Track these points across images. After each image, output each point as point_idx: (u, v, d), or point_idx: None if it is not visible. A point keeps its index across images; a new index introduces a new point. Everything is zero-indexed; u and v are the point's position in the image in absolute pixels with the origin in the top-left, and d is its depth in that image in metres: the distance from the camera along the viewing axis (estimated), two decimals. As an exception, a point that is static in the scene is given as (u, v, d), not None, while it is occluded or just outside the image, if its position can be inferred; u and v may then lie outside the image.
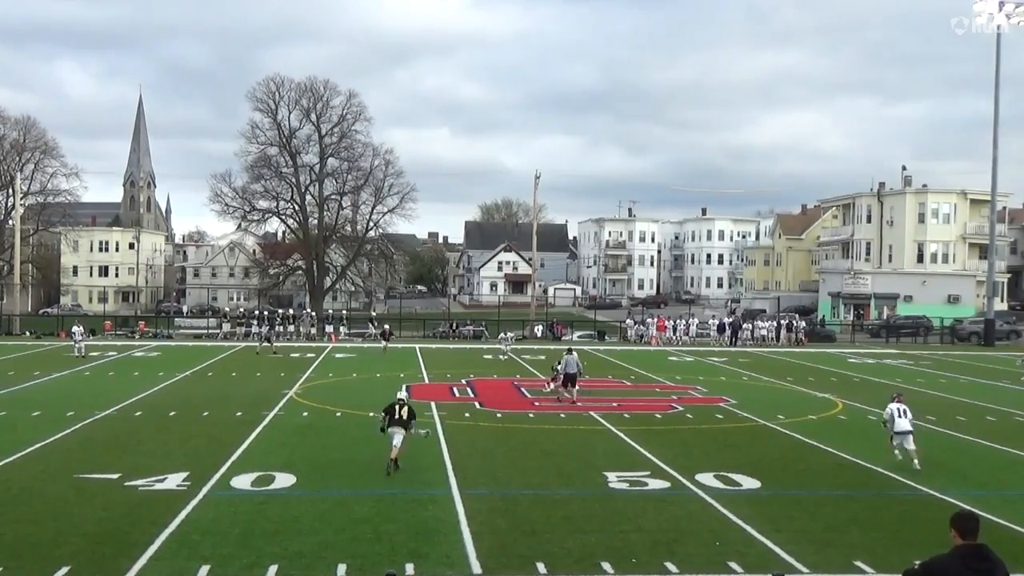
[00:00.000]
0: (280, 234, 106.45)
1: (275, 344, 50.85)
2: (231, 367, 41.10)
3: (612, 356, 46.34)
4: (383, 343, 51.20)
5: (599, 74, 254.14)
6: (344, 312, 74.83)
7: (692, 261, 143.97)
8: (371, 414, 26.30)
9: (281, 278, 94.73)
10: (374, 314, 66.53)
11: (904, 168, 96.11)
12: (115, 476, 17.72)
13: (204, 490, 16.67)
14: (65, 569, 12.11)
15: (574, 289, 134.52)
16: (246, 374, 37.95)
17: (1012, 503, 16.70)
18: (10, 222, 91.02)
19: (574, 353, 30.53)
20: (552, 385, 31.83)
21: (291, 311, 71.03)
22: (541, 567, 12.42)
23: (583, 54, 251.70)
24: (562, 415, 26.88)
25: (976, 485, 18.54)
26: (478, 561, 12.70)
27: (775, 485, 17.91)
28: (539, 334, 65.43)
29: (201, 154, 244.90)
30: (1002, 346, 62.13)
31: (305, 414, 26.61)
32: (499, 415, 26.74)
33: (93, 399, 28.92)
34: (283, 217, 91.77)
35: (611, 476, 18.27)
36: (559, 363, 30.70)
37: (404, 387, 23.05)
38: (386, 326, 55.22)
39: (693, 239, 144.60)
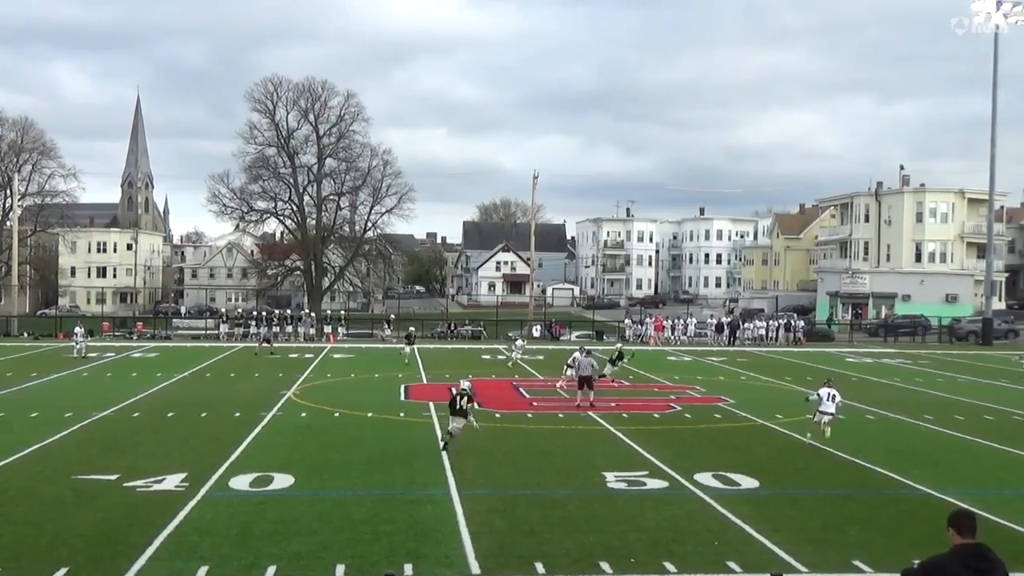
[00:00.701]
0: (278, 235, 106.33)
1: (273, 344, 50.84)
2: (229, 368, 41.10)
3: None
4: (405, 346, 45.81)
5: (596, 74, 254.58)
6: (343, 312, 74.72)
7: (690, 261, 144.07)
8: (369, 415, 26.41)
9: (279, 279, 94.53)
10: (392, 316, 65.63)
11: (902, 167, 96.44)
12: (113, 477, 17.71)
13: (202, 491, 16.67)
14: (64, 570, 12.10)
15: (572, 289, 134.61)
16: (244, 375, 37.94)
17: (1010, 502, 16.71)
18: (8, 223, 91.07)
19: (589, 354, 29.73)
20: (563, 385, 31.84)
21: (289, 312, 70.97)
22: (540, 567, 12.42)
23: (580, 54, 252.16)
24: (560, 415, 26.91)
25: (974, 484, 18.55)
26: (477, 561, 12.70)
27: (773, 485, 17.93)
28: (537, 334, 65.44)
29: (198, 155, 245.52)
30: (1000, 345, 62.19)
31: (303, 415, 26.60)
32: (497, 415, 26.72)
33: (91, 400, 28.90)
34: (281, 217, 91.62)
35: (609, 476, 18.27)
36: (571, 362, 30.58)
37: (468, 378, 24.95)
38: (411, 328, 50.69)
39: (691, 239, 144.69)
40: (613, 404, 28.84)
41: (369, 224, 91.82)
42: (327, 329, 63.58)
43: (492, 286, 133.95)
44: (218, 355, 47.44)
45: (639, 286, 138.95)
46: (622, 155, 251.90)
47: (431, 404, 28.04)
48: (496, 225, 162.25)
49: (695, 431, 24.62)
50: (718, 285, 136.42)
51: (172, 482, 17.35)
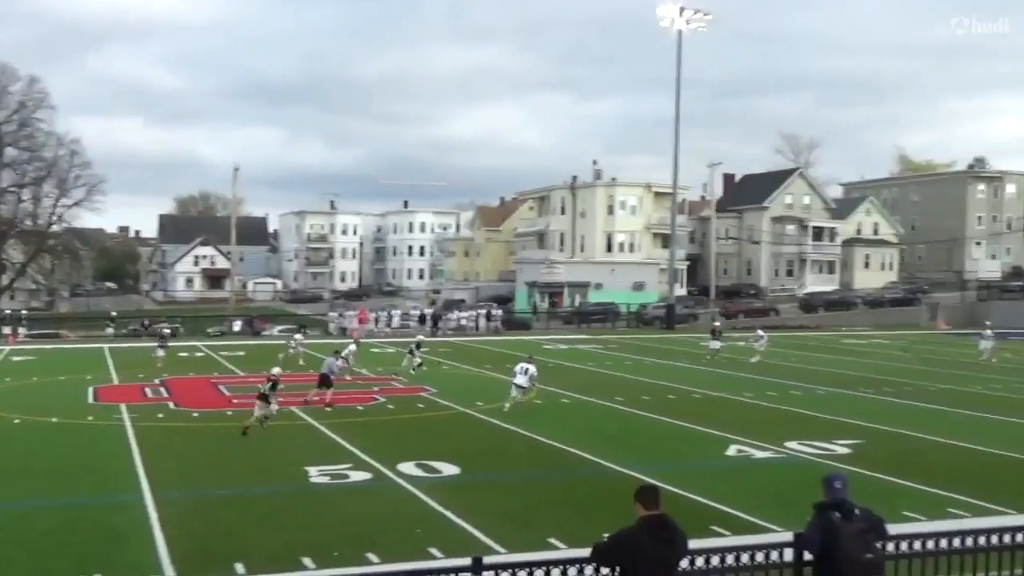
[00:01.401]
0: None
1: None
2: None
3: (313, 350, 45.72)
4: (159, 350, 39.99)
5: (300, 64, 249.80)
6: (23, 312, 70.08)
7: (394, 253, 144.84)
8: (54, 420, 24.71)
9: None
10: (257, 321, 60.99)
11: (595, 162, 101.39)
12: None
13: None
14: None
15: (275, 283, 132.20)
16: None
17: (690, 474, 17.97)
18: None
19: (338, 356, 30.86)
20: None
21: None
22: (239, 567, 12.09)
23: (284, 44, 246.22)
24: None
25: (659, 459, 19.83)
26: (173, 566, 12.21)
27: (474, 470, 18.37)
28: (238, 329, 63.79)
29: None
30: (682, 328, 66.68)
31: (-22, 423, 24.52)
32: (195, 414, 25.82)
33: None
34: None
35: (312, 471, 18.06)
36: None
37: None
38: (165, 329, 48.35)
39: (395, 231, 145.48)
40: (316, 398, 28.37)
41: (54, 217, 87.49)
42: (6, 330, 59.02)
43: (190, 281, 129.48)
44: None
45: (343, 279, 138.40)
46: (328, 147, 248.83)
47: (122, 406, 26.62)
48: (195, 219, 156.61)
49: (398, 421, 24.82)
50: (421, 277, 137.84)
51: None
